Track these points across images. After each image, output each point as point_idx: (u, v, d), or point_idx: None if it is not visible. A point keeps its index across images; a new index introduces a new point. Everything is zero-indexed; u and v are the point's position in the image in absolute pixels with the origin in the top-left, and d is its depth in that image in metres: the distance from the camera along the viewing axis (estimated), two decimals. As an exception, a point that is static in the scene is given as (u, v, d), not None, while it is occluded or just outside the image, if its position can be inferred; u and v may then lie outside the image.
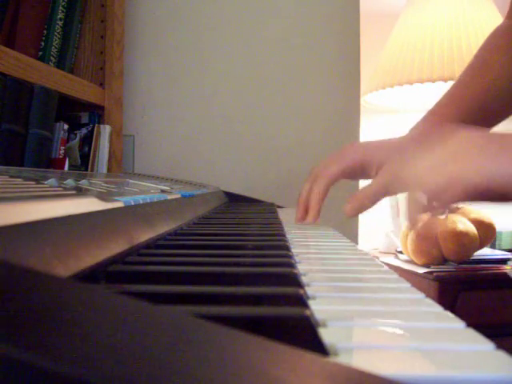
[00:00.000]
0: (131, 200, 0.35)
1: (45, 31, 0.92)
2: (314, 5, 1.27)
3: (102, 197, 0.31)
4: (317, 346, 0.16)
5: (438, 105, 0.66)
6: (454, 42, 1.18)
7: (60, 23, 0.94)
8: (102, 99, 1.01)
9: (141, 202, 0.37)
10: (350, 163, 0.60)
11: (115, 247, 0.27)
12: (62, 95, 0.87)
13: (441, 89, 1.18)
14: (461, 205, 1.19)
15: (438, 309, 0.21)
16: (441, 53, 1.18)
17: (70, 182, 0.39)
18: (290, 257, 0.32)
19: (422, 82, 1.19)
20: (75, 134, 0.96)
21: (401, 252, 1.27)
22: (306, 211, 0.61)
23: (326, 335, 0.16)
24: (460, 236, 1.09)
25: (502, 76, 0.63)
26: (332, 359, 0.15)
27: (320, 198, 0.61)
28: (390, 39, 1.32)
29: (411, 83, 1.21)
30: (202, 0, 1.26)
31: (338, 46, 1.28)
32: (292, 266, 0.29)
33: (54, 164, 0.86)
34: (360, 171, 0.60)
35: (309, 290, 0.23)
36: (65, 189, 0.33)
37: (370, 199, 0.54)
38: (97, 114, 1.03)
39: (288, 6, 1.27)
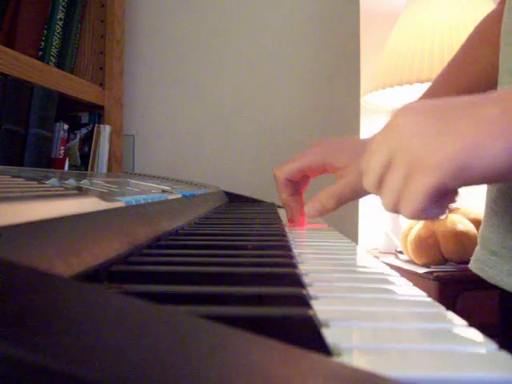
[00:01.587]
0: (132, 200, 0.35)
1: (45, 31, 0.92)
2: (314, 5, 1.27)
3: (104, 197, 0.31)
4: (320, 346, 0.16)
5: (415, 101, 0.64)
6: (454, 43, 1.18)
7: (60, 23, 0.94)
8: (101, 99, 1.01)
9: (142, 201, 0.37)
10: (308, 164, 0.58)
11: (117, 247, 0.27)
12: (62, 95, 0.87)
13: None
14: (460, 205, 1.19)
15: (440, 309, 0.21)
16: (441, 53, 1.19)
17: (71, 181, 0.39)
18: (292, 257, 0.32)
19: (421, 82, 1.19)
20: (75, 134, 0.96)
21: (401, 252, 1.27)
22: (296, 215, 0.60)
23: (329, 335, 0.17)
24: (460, 236, 1.09)
25: (487, 69, 0.61)
26: (335, 359, 0.15)
27: (283, 200, 0.60)
28: (390, 39, 1.32)
29: (411, 83, 1.21)
30: (203, 0, 1.26)
31: (338, 46, 1.28)
32: (293, 266, 0.29)
33: (54, 164, 0.85)
34: (322, 171, 0.58)
35: (311, 291, 0.23)
36: (66, 189, 0.33)
37: (334, 200, 0.52)
38: (97, 114, 1.03)
39: (288, 5, 1.27)
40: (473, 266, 0.57)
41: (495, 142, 0.30)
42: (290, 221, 0.60)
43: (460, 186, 0.32)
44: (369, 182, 0.37)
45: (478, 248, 0.57)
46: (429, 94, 0.63)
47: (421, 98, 0.62)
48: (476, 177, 0.31)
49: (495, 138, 0.30)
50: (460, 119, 0.31)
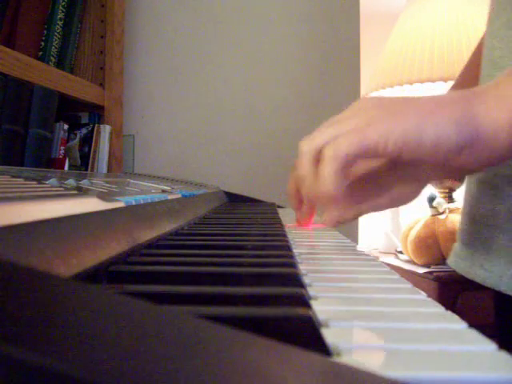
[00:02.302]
0: (132, 200, 0.35)
1: (45, 31, 0.92)
2: (314, 5, 1.27)
3: (104, 197, 0.31)
4: (319, 346, 0.16)
5: None
6: (454, 42, 1.18)
7: (60, 23, 0.94)
8: (101, 99, 1.01)
9: (142, 202, 0.37)
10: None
11: (117, 247, 0.27)
12: (62, 95, 0.87)
13: (441, 89, 1.18)
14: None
15: (440, 309, 0.21)
16: (441, 53, 1.18)
17: (71, 181, 0.39)
18: (291, 257, 0.32)
19: (421, 82, 1.19)
20: (75, 134, 0.96)
21: (401, 252, 1.27)
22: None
23: (329, 335, 0.16)
24: (460, 236, 1.09)
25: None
26: (334, 359, 0.15)
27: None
28: (390, 39, 1.32)
29: (411, 83, 1.21)
30: (202, 0, 1.26)
31: (338, 45, 1.28)
32: (293, 266, 0.29)
33: (54, 164, 0.86)
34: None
35: (310, 291, 0.23)
36: (66, 189, 0.33)
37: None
38: (97, 113, 1.03)
39: (288, 6, 1.27)
40: (451, 260, 0.57)
41: (441, 119, 0.31)
42: (298, 221, 0.59)
43: (385, 155, 0.33)
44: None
45: (456, 244, 0.56)
46: None
47: None
48: (414, 150, 0.31)
49: (441, 114, 0.31)
50: (420, 105, 0.33)
